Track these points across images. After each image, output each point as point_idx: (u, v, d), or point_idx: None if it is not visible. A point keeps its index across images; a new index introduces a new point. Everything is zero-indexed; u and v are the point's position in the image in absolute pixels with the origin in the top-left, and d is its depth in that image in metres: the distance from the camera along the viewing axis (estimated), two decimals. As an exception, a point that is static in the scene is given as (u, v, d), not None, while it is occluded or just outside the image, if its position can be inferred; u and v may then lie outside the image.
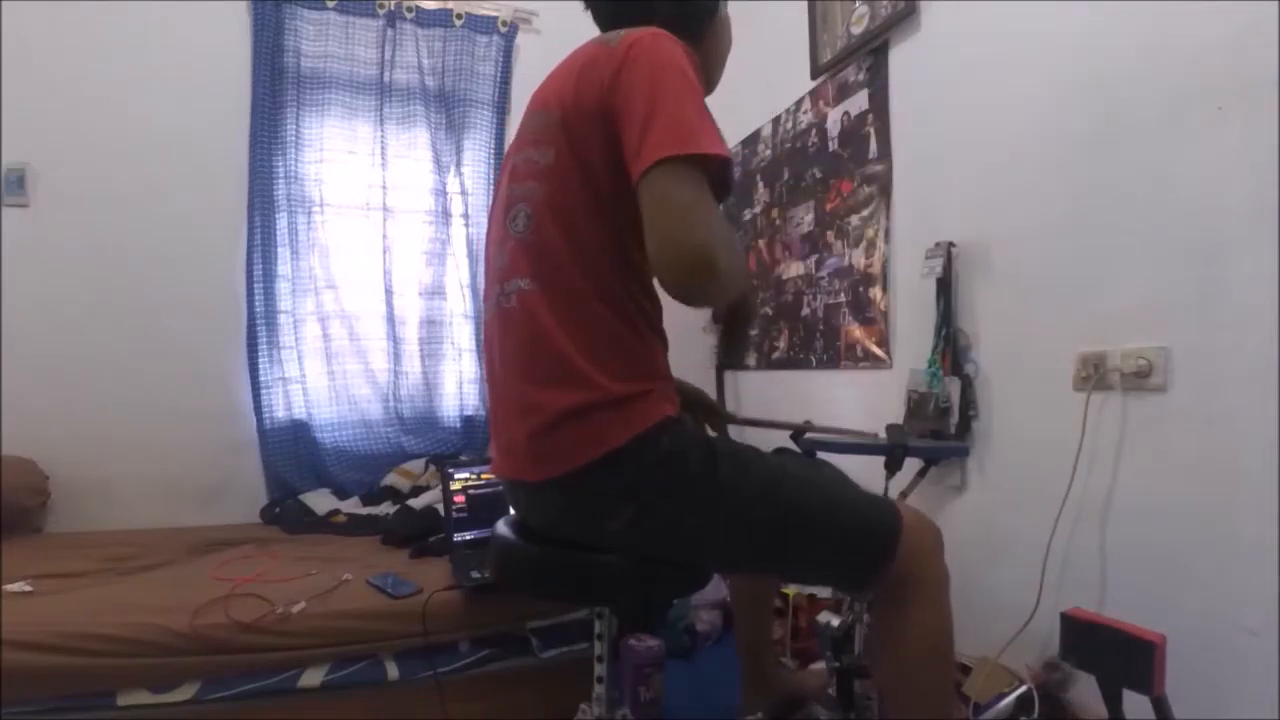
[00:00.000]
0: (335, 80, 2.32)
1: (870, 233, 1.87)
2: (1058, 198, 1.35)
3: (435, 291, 2.43)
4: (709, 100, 1.10)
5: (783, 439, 1.38)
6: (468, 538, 1.61)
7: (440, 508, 1.88)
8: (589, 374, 0.86)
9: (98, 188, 2.11)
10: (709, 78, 1.07)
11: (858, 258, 1.92)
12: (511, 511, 1.12)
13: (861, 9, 1.88)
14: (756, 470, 0.92)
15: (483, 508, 1.65)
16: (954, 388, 1.54)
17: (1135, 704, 0.91)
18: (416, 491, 2.18)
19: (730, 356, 2.57)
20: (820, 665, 1.47)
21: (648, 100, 0.81)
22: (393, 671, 1.37)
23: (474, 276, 2.44)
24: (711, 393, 2.55)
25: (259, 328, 2.19)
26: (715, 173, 0.81)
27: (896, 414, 1.68)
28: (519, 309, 0.91)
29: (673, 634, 1.87)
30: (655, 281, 0.87)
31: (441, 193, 2.42)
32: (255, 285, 2.20)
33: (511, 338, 0.93)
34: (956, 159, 1.60)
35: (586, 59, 0.90)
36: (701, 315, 2.64)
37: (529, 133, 0.95)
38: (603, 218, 0.87)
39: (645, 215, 0.78)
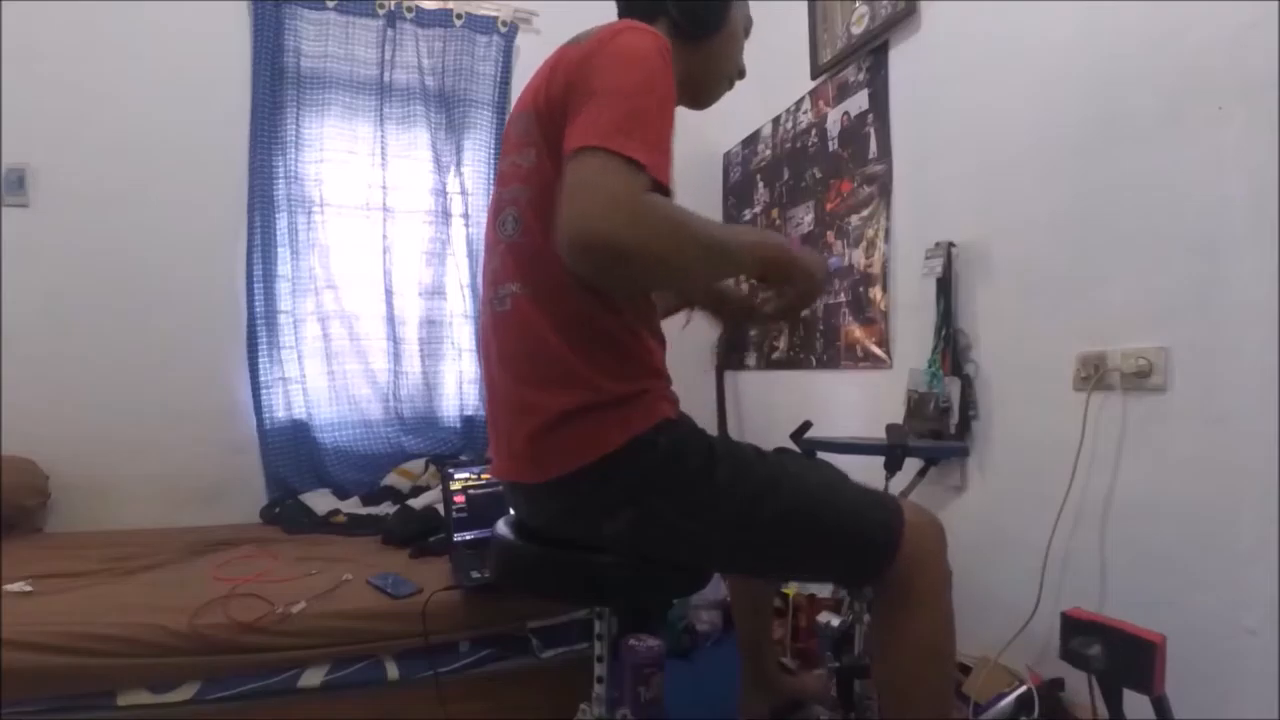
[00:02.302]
0: (335, 80, 2.32)
1: (870, 233, 1.87)
2: (1058, 197, 1.35)
3: (435, 291, 2.43)
4: (705, 113, 1.11)
5: (782, 437, 1.38)
6: (468, 538, 1.61)
7: (440, 508, 1.88)
8: (585, 374, 0.86)
9: (98, 188, 2.10)
10: (701, 90, 1.07)
11: (858, 258, 1.92)
12: (511, 512, 1.13)
13: (861, 9, 1.88)
14: (755, 471, 0.91)
15: (483, 508, 1.64)
16: (954, 388, 1.54)
17: (1135, 704, 0.91)
18: (416, 491, 2.18)
19: (730, 352, 2.57)
20: (822, 671, 1.47)
21: (597, 84, 0.79)
22: (393, 671, 1.37)
23: (474, 276, 2.44)
24: (710, 393, 2.57)
25: (259, 328, 2.19)
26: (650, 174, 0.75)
27: (896, 414, 1.68)
28: (513, 313, 0.91)
29: (673, 634, 1.87)
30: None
31: (441, 193, 2.42)
32: (255, 285, 2.20)
33: (507, 341, 0.93)
34: (956, 159, 1.60)
35: (558, 57, 0.89)
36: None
37: (512, 136, 0.95)
38: None
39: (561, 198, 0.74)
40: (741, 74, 1.12)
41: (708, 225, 0.79)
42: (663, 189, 0.76)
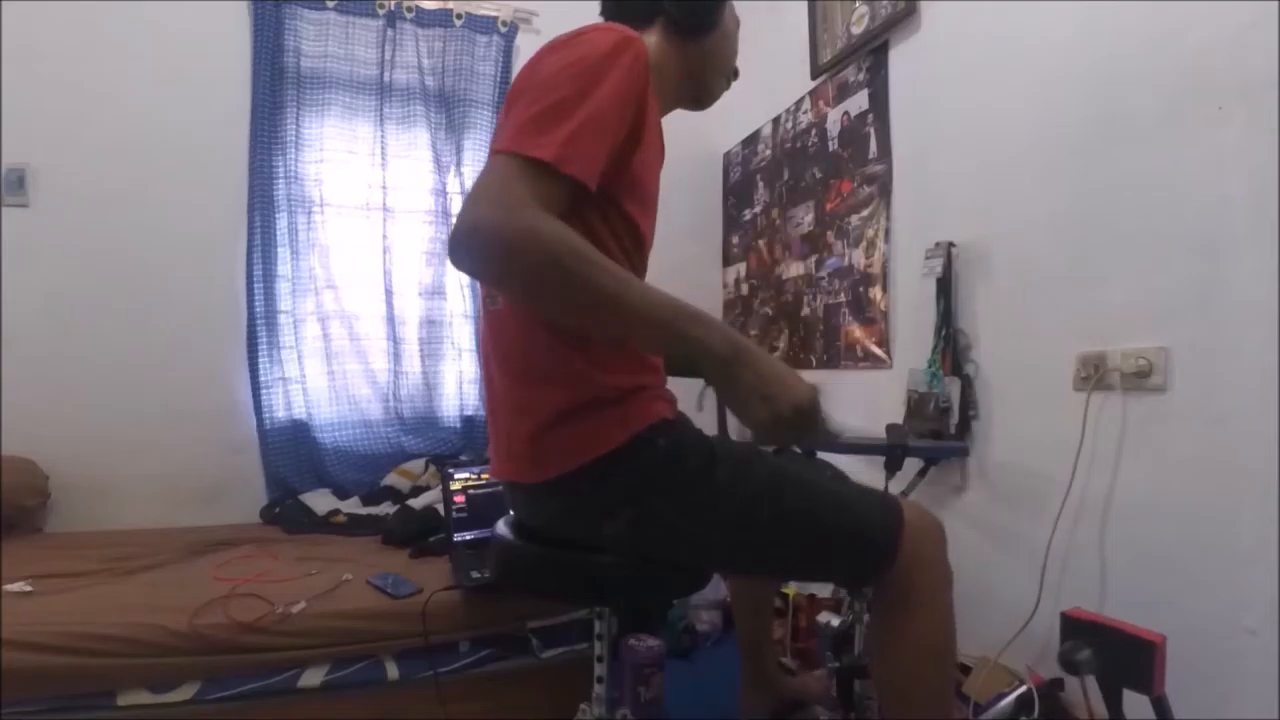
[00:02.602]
0: (335, 80, 2.32)
1: (870, 233, 1.87)
2: (1058, 197, 1.35)
3: (435, 291, 2.43)
4: (705, 113, 1.11)
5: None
6: (468, 538, 1.61)
7: (440, 508, 1.88)
8: (580, 369, 0.86)
9: (98, 188, 2.10)
10: (703, 89, 1.07)
11: (858, 258, 1.92)
12: (511, 512, 1.12)
13: (861, 9, 1.88)
14: (755, 471, 0.92)
15: (483, 508, 1.64)
16: (954, 388, 1.54)
17: (1135, 704, 0.91)
18: (416, 491, 2.18)
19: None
20: (822, 672, 1.47)
21: (528, 83, 0.80)
22: (393, 671, 1.37)
23: (474, 276, 2.44)
24: (710, 398, 2.57)
25: (259, 328, 2.19)
26: (570, 172, 0.73)
27: (896, 414, 1.68)
28: (506, 311, 0.92)
29: (673, 634, 1.87)
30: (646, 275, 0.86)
31: (441, 193, 2.42)
32: (255, 285, 2.20)
33: (502, 340, 0.93)
34: (956, 159, 1.60)
35: (533, 56, 0.88)
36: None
37: (496, 138, 0.95)
38: (573, 212, 0.80)
39: None
40: (736, 74, 1.13)
41: (613, 276, 0.70)
42: (578, 181, 0.74)
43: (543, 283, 0.70)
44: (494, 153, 0.75)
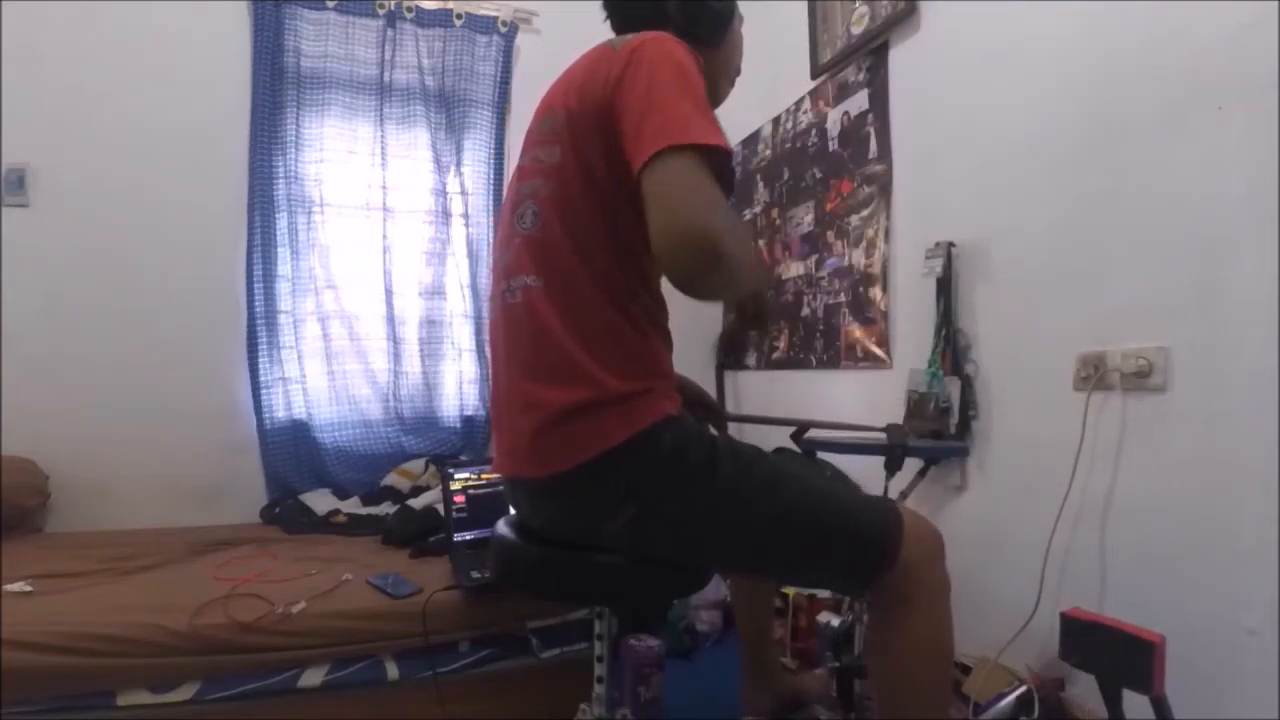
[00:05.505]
0: (335, 80, 2.32)
1: (870, 233, 1.87)
2: (1058, 197, 1.35)
3: (435, 291, 2.43)
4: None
5: (783, 437, 1.38)
6: (468, 538, 1.61)
7: (440, 508, 1.88)
8: (591, 371, 0.86)
9: (98, 188, 2.11)
10: (714, 91, 1.07)
11: (858, 258, 1.92)
12: (512, 511, 1.12)
13: (861, 9, 1.88)
14: (757, 471, 0.92)
15: (483, 508, 1.65)
16: (954, 388, 1.54)
17: (1135, 704, 0.91)
18: (416, 491, 2.18)
19: (730, 353, 2.57)
20: (822, 672, 1.47)
21: (645, 97, 0.81)
22: (393, 671, 1.37)
23: (474, 276, 2.44)
24: (712, 392, 2.57)
25: (259, 328, 2.19)
26: (716, 165, 0.79)
27: (896, 414, 1.68)
28: (523, 305, 0.92)
29: (673, 634, 1.87)
30: (661, 280, 0.87)
31: (441, 193, 2.42)
32: (255, 285, 2.20)
33: (515, 334, 0.93)
34: (956, 159, 1.60)
35: (591, 62, 0.91)
36: (708, 316, 2.64)
37: (535, 134, 0.96)
38: (605, 216, 0.88)
39: (647, 207, 0.76)
40: (738, 71, 1.13)
41: (750, 266, 0.87)
42: (729, 155, 0.82)
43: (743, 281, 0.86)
44: (665, 149, 0.76)
